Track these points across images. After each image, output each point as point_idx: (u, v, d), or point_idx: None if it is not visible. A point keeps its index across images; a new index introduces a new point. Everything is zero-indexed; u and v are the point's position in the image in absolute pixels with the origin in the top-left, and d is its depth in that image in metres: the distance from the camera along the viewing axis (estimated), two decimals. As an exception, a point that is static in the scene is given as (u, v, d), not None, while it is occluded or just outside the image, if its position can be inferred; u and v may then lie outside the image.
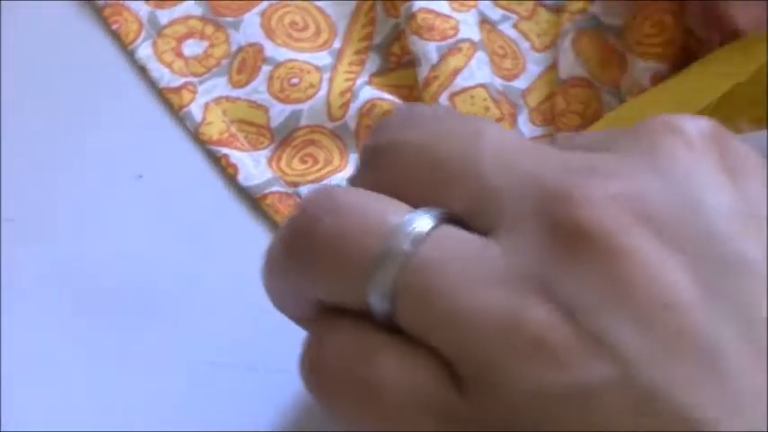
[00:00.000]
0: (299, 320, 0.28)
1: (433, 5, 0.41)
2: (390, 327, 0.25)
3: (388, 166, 0.26)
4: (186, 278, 0.38)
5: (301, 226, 0.26)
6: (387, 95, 0.41)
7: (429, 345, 0.24)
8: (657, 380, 0.22)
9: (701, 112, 0.37)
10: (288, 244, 0.26)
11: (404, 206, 0.25)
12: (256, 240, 0.36)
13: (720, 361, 0.22)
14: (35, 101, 0.43)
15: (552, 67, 0.42)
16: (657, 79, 0.40)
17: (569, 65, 0.41)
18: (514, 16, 0.44)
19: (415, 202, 0.25)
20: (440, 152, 0.26)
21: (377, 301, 0.24)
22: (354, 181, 0.28)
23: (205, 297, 0.38)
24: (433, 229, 0.24)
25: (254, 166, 0.40)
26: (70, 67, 0.44)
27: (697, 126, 0.26)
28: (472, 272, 0.24)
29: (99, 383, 0.36)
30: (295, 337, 0.27)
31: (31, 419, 0.35)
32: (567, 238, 0.23)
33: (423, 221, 0.24)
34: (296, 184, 0.40)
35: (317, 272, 0.25)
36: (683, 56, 0.41)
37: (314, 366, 0.26)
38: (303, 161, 0.40)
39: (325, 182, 0.40)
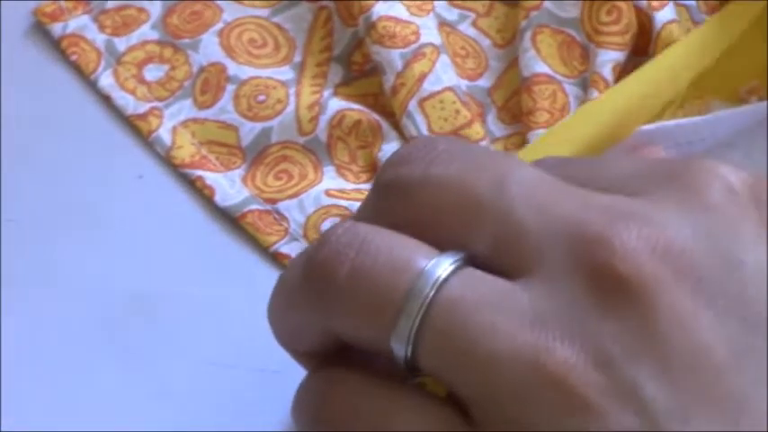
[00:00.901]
0: (301, 356, 0.28)
1: (392, 12, 0.42)
2: (407, 369, 0.25)
3: (413, 205, 0.26)
4: (187, 278, 0.39)
5: (325, 260, 0.25)
6: (355, 105, 0.41)
7: (448, 386, 0.24)
8: None
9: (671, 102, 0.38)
10: (309, 277, 0.25)
11: (430, 249, 0.25)
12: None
13: (745, 419, 0.22)
14: (35, 101, 0.43)
15: (515, 62, 0.42)
16: (618, 69, 0.40)
17: (530, 62, 0.41)
18: (472, 14, 0.44)
19: (440, 242, 0.25)
20: (468, 191, 0.25)
21: (399, 344, 0.24)
22: (369, 214, 0.27)
23: (206, 297, 0.38)
24: (459, 271, 0.24)
25: (229, 186, 0.40)
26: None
27: (741, 178, 0.25)
28: (498, 315, 0.23)
29: (99, 383, 0.37)
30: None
31: (31, 419, 0.36)
32: (606, 287, 0.23)
33: (448, 264, 0.24)
34: (274, 201, 0.40)
35: (338, 309, 0.25)
36: (641, 38, 0.41)
37: (318, 418, 0.25)
38: (278, 178, 0.41)
39: (302, 197, 0.40)
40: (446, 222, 0.25)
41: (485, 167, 0.26)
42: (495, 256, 0.25)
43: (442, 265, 0.24)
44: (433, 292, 0.24)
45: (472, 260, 0.25)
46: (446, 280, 0.24)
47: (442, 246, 0.25)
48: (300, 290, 0.26)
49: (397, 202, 0.26)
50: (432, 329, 0.24)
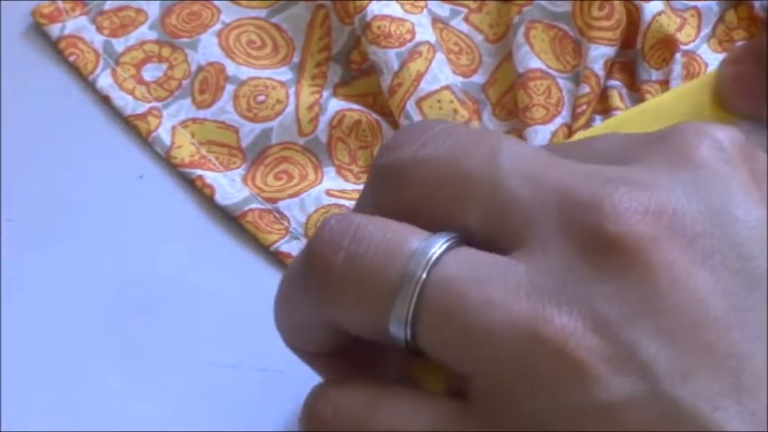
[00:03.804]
0: (309, 356, 0.29)
1: (386, 11, 0.42)
2: (409, 352, 0.25)
3: (406, 185, 0.26)
4: (187, 278, 0.39)
5: (321, 253, 0.25)
6: (354, 105, 0.42)
7: (449, 366, 0.24)
8: (684, 397, 0.22)
9: None
10: (307, 271, 0.26)
11: (422, 232, 0.25)
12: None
13: (745, 376, 0.23)
14: (34, 101, 0.44)
15: (508, 57, 0.43)
16: (610, 65, 0.41)
17: (525, 58, 0.42)
18: (464, 9, 0.44)
19: (436, 220, 0.25)
20: (459, 168, 0.25)
21: (398, 327, 0.24)
22: (366, 200, 0.28)
23: (207, 297, 0.39)
24: (452, 250, 0.24)
25: (229, 185, 0.41)
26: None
27: (730, 136, 0.25)
28: (492, 288, 0.23)
29: (100, 383, 0.37)
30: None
31: (31, 419, 0.36)
32: (600, 250, 0.23)
33: (441, 244, 0.24)
34: (274, 200, 0.40)
35: (337, 299, 0.25)
36: (628, 30, 0.42)
37: (323, 424, 0.26)
38: (278, 178, 0.41)
39: (303, 196, 0.40)
40: (439, 201, 0.26)
41: (475, 144, 0.26)
42: (489, 229, 0.25)
43: (435, 245, 0.24)
44: (425, 273, 0.24)
45: (467, 238, 0.25)
46: (439, 259, 0.24)
47: (437, 225, 0.25)
48: (300, 285, 0.26)
49: (392, 185, 0.27)
50: (427, 309, 0.24)
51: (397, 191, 0.27)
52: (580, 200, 0.24)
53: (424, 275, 0.24)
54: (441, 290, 0.24)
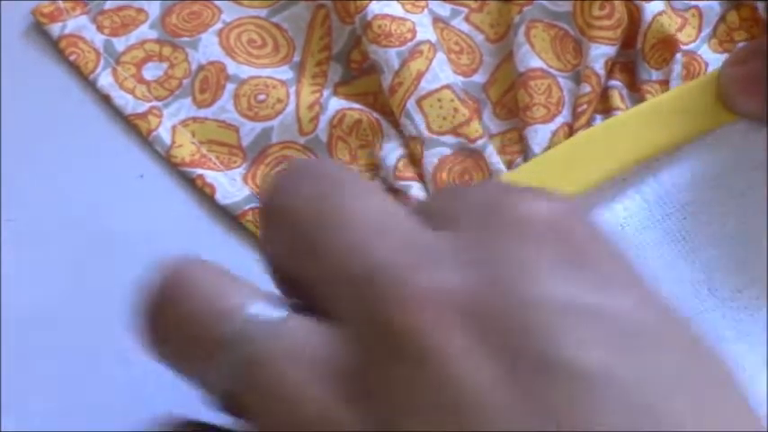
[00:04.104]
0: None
1: (386, 10, 0.42)
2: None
3: (274, 231, 0.26)
4: None
5: (155, 303, 0.26)
6: (355, 105, 0.42)
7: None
8: None
9: None
10: (145, 317, 0.27)
11: (256, 294, 0.25)
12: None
13: None
14: (35, 101, 0.44)
15: (509, 57, 0.43)
16: (610, 64, 0.41)
17: (525, 57, 0.42)
18: (465, 9, 0.44)
19: (292, 271, 0.26)
20: (304, 223, 0.25)
21: (222, 385, 0.25)
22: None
23: None
24: (276, 320, 0.25)
25: (230, 184, 0.41)
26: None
27: (546, 211, 0.25)
28: (301, 368, 0.24)
29: (100, 383, 0.37)
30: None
31: (31, 419, 0.36)
32: (386, 337, 0.23)
33: (269, 313, 0.25)
34: (275, 200, 0.40)
35: (170, 351, 0.26)
36: (629, 30, 0.42)
37: None
38: (279, 177, 0.41)
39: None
40: (294, 252, 0.26)
41: (328, 196, 0.26)
42: (322, 296, 0.25)
43: (264, 314, 0.25)
44: (247, 341, 0.24)
45: (304, 306, 0.25)
46: (264, 329, 0.24)
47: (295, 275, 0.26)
48: (144, 329, 0.27)
49: (265, 229, 0.27)
50: (245, 377, 0.24)
51: (268, 235, 0.27)
52: (379, 283, 0.24)
53: (247, 343, 0.24)
54: (258, 361, 0.24)
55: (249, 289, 0.26)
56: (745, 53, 0.40)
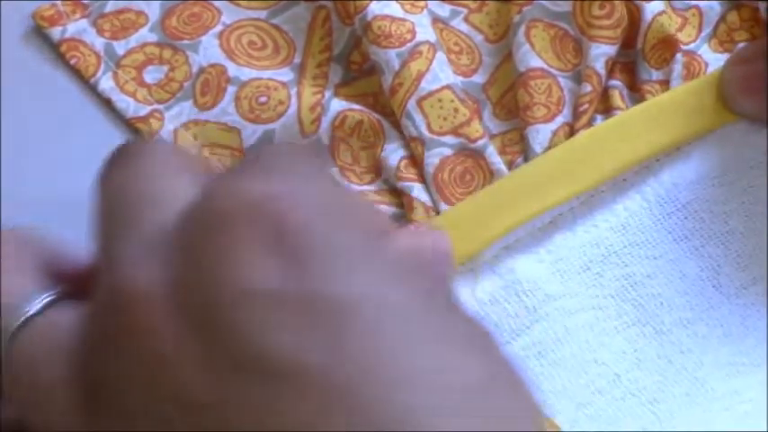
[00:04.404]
0: None
1: (386, 11, 0.42)
2: None
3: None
4: None
5: None
6: (356, 105, 0.42)
7: None
8: None
9: None
10: None
11: (30, 284, 0.28)
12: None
13: None
14: (35, 104, 0.44)
15: (508, 57, 0.43)
16: (611, 63, 0.41)
17: (525, 57, 0.42)
18: (464, 10, 0.44)
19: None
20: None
21: None
22: None
23: None
24: (42, 311, 0.27)
25: (231, 187, 0.41)
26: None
27: (256, 195, 0.25)
28: (41, 350, 0.26)
29: None
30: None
31: None
32: (110, 320, 0.25)
33: (36, 302, 0.27)
34: (276, 201, 0.40)
35: None
36: (629, 30, 0.42)
37: None
38: (280, 179, 0.41)
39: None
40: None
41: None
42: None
43: (31, 303, 0.27)
44: (10, 329, 0.27)
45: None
46: (26, 320, 0.27)
47: None
48: None
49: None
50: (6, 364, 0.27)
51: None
52: (109, 275, 0.26)
53: (9, 330, 0.27)
54: (17, 350, 0.27)
55: (25, 280, 0.28)
56: (747, 53, 0.40)
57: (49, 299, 0.27)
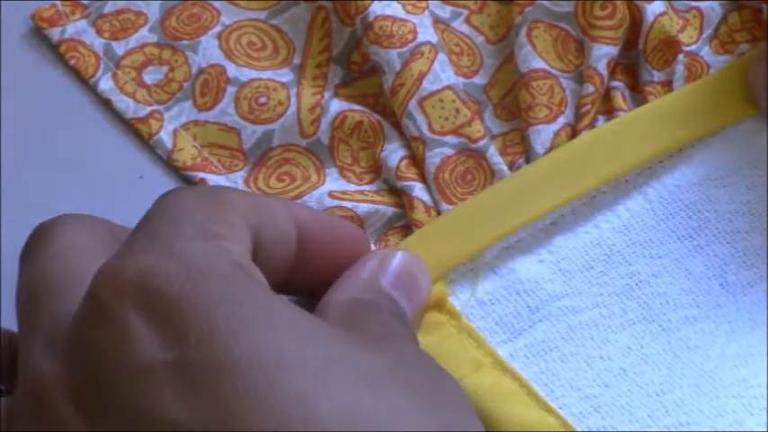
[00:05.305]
0: None
1: (388, 11, 0.42)
2: None
3: None
4: None
5: None
6: (356, 106, 0.42)
7: None
8: None
9: None
10: None
11: None
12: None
13: None
14: (35, 104, 0.44)
15: (509, 58, 0.43)
16: (612, 64, 0.41)
17: (527, 58, 0.41)
18: (465, 11, 0.44)
19: None
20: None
21: None
22: None
23: None
24: None
25: (231, 188, 0.41)
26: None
27: (131, 272, 0.26)
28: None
29: None
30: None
31: None
32: None
33: None
34: (276, 202, 0.40)
35: None
36: (630, 31, 0.42)
37: None
38: (280, 180, 0.41)
39: (305, 198, 0.40)
40: None
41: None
42: None
43: None
44: None
45: None
46: None
47: None
48: None
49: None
50: None
51: None
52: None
53: None
54: None
55: None
56: None
57: None
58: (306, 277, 0.32)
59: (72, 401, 0.26)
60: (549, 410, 0.35)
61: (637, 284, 0.38)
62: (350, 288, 0.31)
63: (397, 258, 0.33)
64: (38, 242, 0.31)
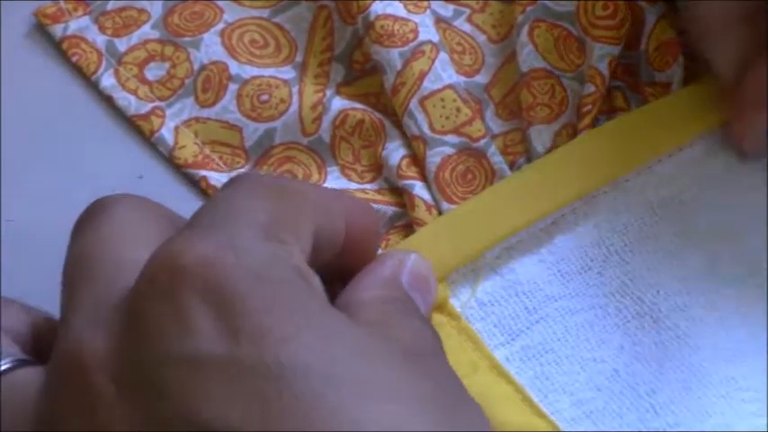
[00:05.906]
0: None
1: (389, 10, 0.42)
2: None
3: None
4: None
5: None
6: (358, 104, 0.42)
7: None
8: None
9: None
10: None
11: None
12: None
13: None
14: (36, 102, 0.44)
15: (511, 57, 0.43)
16: (614, 64, 0.41)
17: (529, 57, 0.41)
18: (467, 10, 0.44)
19: None
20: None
21: None
22: None
23: None
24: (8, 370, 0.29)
25: (232, 186, 0.41)
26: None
27: (194, 259, 0.26)
28: (15, 408, 0.28)
29: None
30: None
31: None
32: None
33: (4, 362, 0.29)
34: (278, 201, 0.40)
35: None
36: (631, 31, 0.42)
37: None
38: (282, 178, 0.41)
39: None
40: None
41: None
42: None
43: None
44: None
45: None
46: None
47: None
48: None
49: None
50: None
51: None
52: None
53: None
54: None
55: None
56: None
57: (16, 359, 0.29)
58: (336, 261, 0.32)
59: (111, 376, 0.25)
60: (542, 416, 0.35)
61: (631, 280, 0.38)
62: (373, 287, 0.31)
63: (412, 260, 0.33)
64: (91, 221, 0.30)
